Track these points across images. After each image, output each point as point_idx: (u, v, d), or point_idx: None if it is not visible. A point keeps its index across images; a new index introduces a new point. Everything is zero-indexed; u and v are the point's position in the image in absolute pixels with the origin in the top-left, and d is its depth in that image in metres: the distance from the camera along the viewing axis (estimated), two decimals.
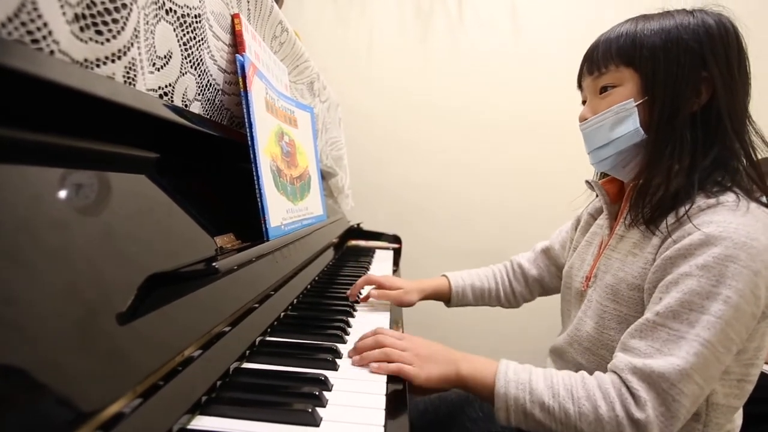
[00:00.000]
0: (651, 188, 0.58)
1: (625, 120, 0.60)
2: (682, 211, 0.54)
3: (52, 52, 0.32)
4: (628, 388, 0.48)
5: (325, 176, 1.27)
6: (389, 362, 0.54)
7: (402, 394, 0.50)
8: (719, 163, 0.56)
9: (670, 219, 0.55)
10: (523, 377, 0.53)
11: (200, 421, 0.38)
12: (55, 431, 0.25)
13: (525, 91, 1.82)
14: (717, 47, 0.56)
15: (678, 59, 0.56)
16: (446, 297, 0.93)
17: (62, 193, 0.32)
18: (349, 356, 0.56)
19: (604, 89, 0.62)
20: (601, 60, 0.62)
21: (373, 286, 0.85)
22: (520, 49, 1.81)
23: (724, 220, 0.50)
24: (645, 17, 0.60)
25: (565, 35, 1.76)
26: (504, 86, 1.83)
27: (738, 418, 0.61)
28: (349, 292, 0.82)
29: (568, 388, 0.51)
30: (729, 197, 0.53)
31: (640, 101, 0.59)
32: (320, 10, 1.82)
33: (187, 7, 0.52)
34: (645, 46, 0.58)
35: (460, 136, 1.86)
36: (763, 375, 0.99)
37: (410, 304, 0.86)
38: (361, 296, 0.84)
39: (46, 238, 0.29)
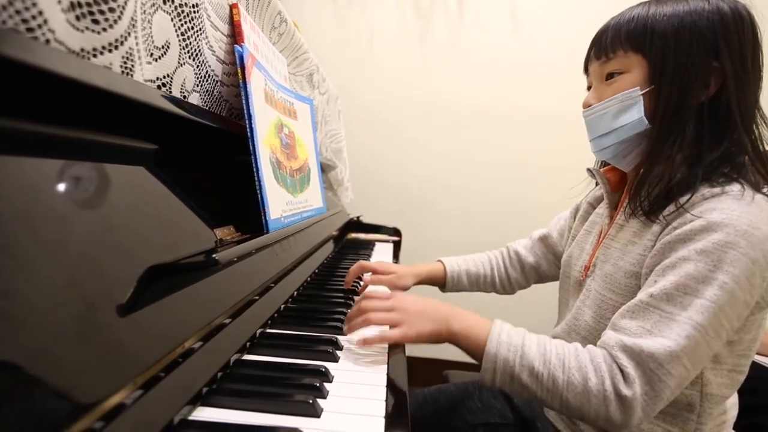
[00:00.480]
0: (651, 179, 0.57)
1: (629, 108, 0.58)
2: (683, 200, 0.53)
3: (47, 41, 0.31)
4: (618, 365, 0.49)
5: (324, 169, 1.26)
6: (374, 324, 0.55)
7: (403, 386, 0.50)
8: (727, 156, 0.55)
9: (672, 208, 0.54)
10: (516, 340, 0.53)
11: (201, 412, 0.38)
12: (57, 422, 0.25)
13: (525, 85, 1.81)
14: (731, 37, 0.54)
15: (689, 48, 0.54)
16: (441, 282, 0.92)
17: (60, 185, 0.32)
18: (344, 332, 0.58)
19: (610, 75, 0.61)
20: (610, 45, 0.60)
21: (368, 273, 0.85)
22: (519, 44, 1.79)
23: (728, 208, 0.50)
24: (658, 2, 0.58)
25: (565, 33, 1.75)
26: (504, 81, 1.82)
27: (733, 408, 0.61)
28: (345, 281, 0.82)
29: (560, 357, 0.51)
30: (734, 187, 0.52)
31: (647, 90, 0.57)
32: (320, 9, 1.81)
33: None
34: (656, 32, 0.56)
35: (460, 129, 1.85)
36: (756, 366, 0.99)
37: (405, 289, 0.85)
38: (360, 285, 0.84)
39: (44, 230, 0.29)
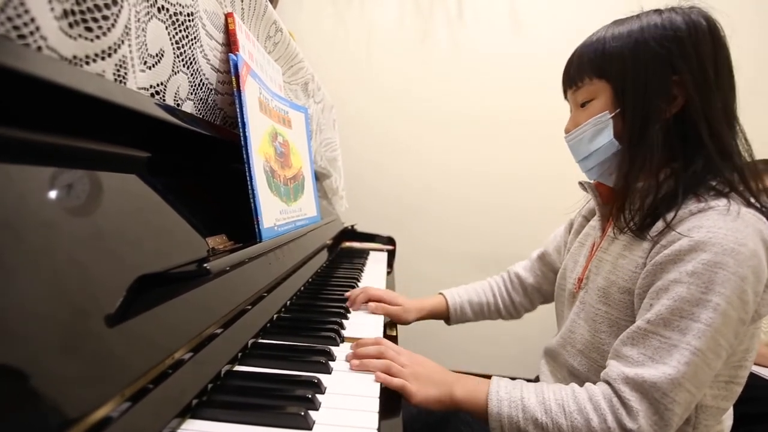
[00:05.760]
0: (632, 195, 0.58)
1: (602, 132, 0.61)
2: (670, 216, 0.54)
3: (39, 48, 0.31)
4: (620, 399, 0.49)
5: (319, 177, 1.26)
6: (392, 375, 0.54)
7: (396, 398, 0.50)
8: (710, 168, 0.55)
9: (660, 225, 0.55)
10: (515, 395, 0.53)
11: (191, 425, 0.38)
12: None
13: (522, 92, 1.82)
14: (686, 48, 0.54)
15: (646, 65, 0.55)
16: (445, 315, 0.92)
17: (51, 193, 0.32)
18: (347, 360, 0.56)
19: (584, 103, 0.63)
20: (576, 74, 0.63)
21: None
22: (518, 50, 1.81)
23: (714, 226, 0.50)
24: (616, 22, 0.60)
25: (564, 35, 1.76)
26: (501, 88, 1.83)
27: (728, 419, 0.61)
28: (348, 303, 0.82)
29: (559, 403, 0.51)
30: (720, 202, 0.52)
31: (615, 112, 0.59)
32: (319, 9, 1.82)
33: (180, 5, 0.51)
34: (614, 55, 0.58)
35: (456, 137, 1.86)
36: (752, 375, 1.00)
37: (407, 323, 0.86)
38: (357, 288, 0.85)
39: (34, 238, 0.28)
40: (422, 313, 0.88)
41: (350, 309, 0.80)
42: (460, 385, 0.57)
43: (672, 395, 0.47)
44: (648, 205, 0.57)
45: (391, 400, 0.49)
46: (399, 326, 0.81)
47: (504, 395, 0.53)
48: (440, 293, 0.94)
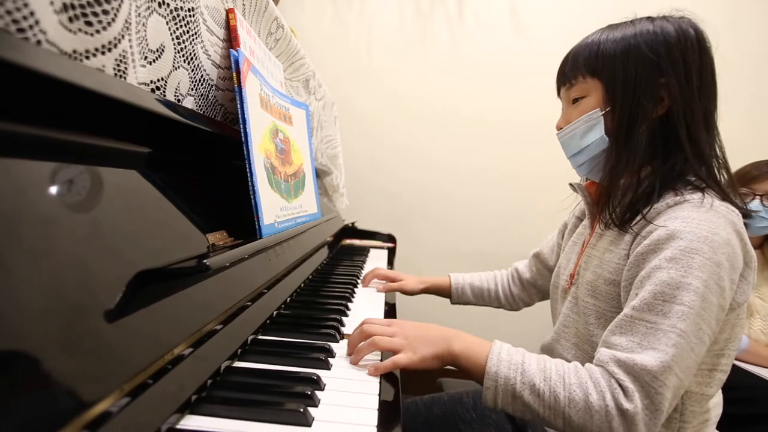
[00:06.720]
0: (615, 191, 0.61)
1: (593, 128, 0.63)
2: (645, 210, 0.57)
3: (39, 42, 0.31)
4: (616, 380, 0.49)
5: (319, 174, 1.26)
6: (381, 349, 0.55)
7: (395, 395, 0.50)
8: (685, 169, 0.58)
9: (639, 218, 0.58)
10: (516, 358, 0.53)
11: (190, 421, 0.38)
12: (40, 430, 0.24)
13: (522, 92, 1.82)
14: (674, 54, 0.57)
15: (636, 67, 0.58)
16: (446, 293, 1.01)
17: (50, 188, 0.32)
18: (348, 355, 0.56)
19: (576, 99, 0.66)
20: (570, 72, 0.66)
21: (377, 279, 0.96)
22: (518, 50, 1.81)
23: (688, 216, 0.53)
24: (611, 27, 0.63)
25: (564, 36, 1.76)
26: (501, 87, 1.83)
27: (716, 408, 0.62)
28: (361, 282, 0.95)
29: (560, 374, 0.51)
30: (695, 195, 0.55)
31: (606, 110, 0.62)
32: (320, 8, 1.82)
33: (181, 0, 0.51)
34: (607, 56, 0.61)
35: (457, 135, 1.86)
36: (752, 376, 1.00)
37: (411, 293, 0.98)
38: (361, 281, 0.95)
39: (32, 233, 0.28)
40: (425, 284, 0.99)
41: (363, 286, 0.94)
42: (459, 339, 0.57)
43: (662, 379, 0.47)
44: (628, 200, 0.60)
45: (392, 398, 0.49)
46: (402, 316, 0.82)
47: (505, 356, 0.53)
48: (448, 275, 1.03)
